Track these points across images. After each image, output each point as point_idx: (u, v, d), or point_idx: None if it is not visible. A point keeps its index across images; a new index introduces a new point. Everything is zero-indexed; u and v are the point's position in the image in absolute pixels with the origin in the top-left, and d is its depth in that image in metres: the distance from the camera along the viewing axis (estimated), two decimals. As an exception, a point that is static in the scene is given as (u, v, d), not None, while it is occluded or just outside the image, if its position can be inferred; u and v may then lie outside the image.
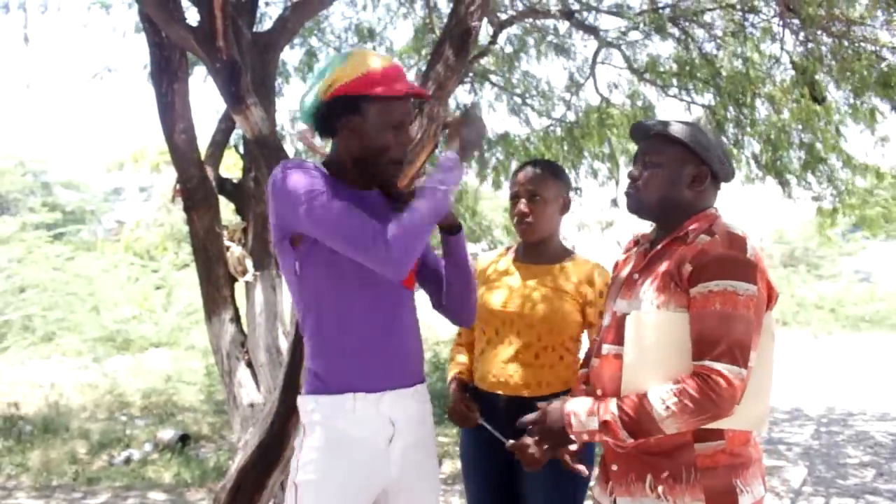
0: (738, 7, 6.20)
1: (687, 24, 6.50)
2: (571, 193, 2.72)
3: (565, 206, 2.60)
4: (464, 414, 2.50)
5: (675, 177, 1.89)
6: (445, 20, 6.46)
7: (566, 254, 2.62)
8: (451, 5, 6.06)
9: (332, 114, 1.89)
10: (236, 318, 3.93)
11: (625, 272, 2.00)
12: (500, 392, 2.48)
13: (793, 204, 7.12)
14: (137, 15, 5.86)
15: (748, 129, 6.77)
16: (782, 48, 6.26)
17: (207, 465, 5.73)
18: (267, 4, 6.23)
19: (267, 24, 5.42)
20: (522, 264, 2.60)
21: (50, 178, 26.63)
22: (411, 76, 7.03)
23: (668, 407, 1.69)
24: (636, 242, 2.06)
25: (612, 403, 1.76)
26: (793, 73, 6.27)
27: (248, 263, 3.97)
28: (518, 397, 2.45)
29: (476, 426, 2.48)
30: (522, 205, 2.52)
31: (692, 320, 1.75)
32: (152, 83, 3.75)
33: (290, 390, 3.19)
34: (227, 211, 4.41)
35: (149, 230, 20.45)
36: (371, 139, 1.88)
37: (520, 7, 6.33)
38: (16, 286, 11.83)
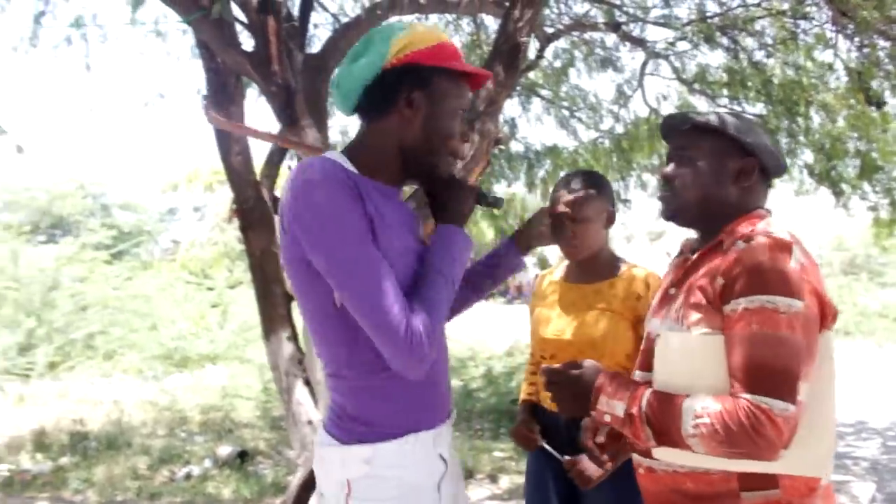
0: (789, 14, 6.12)
1: (736, 33, 6.44)
2: (620, 205, 2.67)
3: (610, 220, 2.44)
4: (525, 436, 2.49)
5: (718, 172, 1.62)
6: (492, 36, 6.55)
7: (616, 266, 2.46)
8: (498, 21, 6.13)
9: (394, 86, 1.53)
10: (294, 337, 3.99)
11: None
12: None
13: (848, 214, 6.98)
14: (194, 41, 6.07)
15: (801, 138, 6.66)
16: (836, 54, 6.16)
17: (265, 481, 5.81)
18: (315, 27, 6.38)
19: (316, 46, 5.53)
20: (571, 284, 2.50)
21: (108, 200, 27.40)
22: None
23: (696, 425, 1.43)
24: (682, 252, 1.78)
25: (645, 398, 1.51)
26: (847, 79, 6.15)
27: (305, 282, 4.03)
28: (577, 417, 2.38)
29: (537, 448, 2.47)
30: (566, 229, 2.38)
31: (727, 345, 1.48)
32: (210, 107, 3.85)
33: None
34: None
35: (203, 249, 20.88)
36: (437, 122, 1.56)
37: (567, 21, 6.34)
38: (79, 305, 12.19)
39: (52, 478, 5.88)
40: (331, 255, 1.43)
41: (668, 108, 7.02)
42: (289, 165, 4.66)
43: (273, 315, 3.97)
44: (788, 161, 6.90)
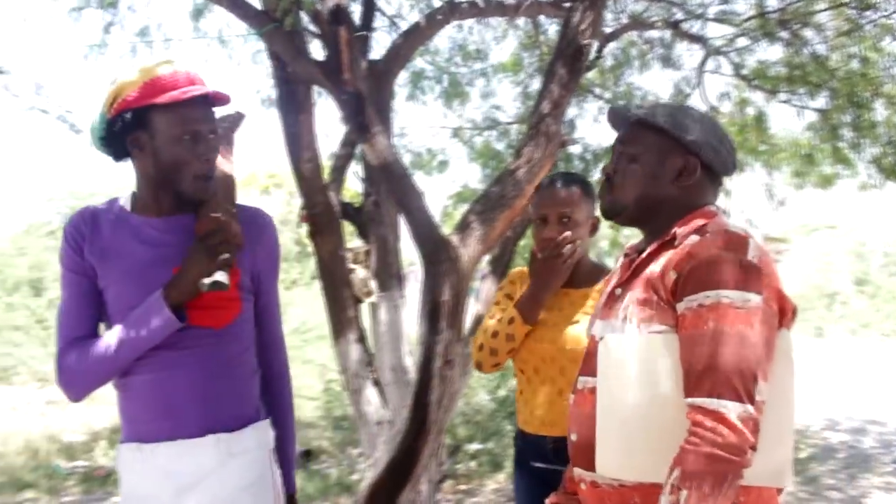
0: (853, 5, 5.99)
1: (797, 26, 6.32)
2: None
3: (594, 228, 2.31)
4: None
5: (656, 170, 1.56)
6: (548, 35, 6.54)
7: (600, 274, 2.29)
8: (554, 21, 6.13)
9: (119, 134, 1.69)
10: (362, 339, 4.07)
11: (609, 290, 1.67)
12: (545, 434, 2.23)
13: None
14: (256, 50, 6.20)
15: (867, 131, 6.50)
16: (904, 45, 6.01)
17: (330, 480, 5.92)
18: (373, 30, 6.42)
19: (374, 50, 5.59)
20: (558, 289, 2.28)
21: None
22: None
23: (675, 489, 1.32)
24: (627, 255, 1.69)
25: None
26: (917, 71, 6.00)
27: (373, 285, 4.12)
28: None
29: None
30: (551, 230, 2.23)
31: (681, 345, 1.41)
32: (279, 115, 3.94)
33: (419, 409, 3.30)
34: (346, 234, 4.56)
35: (259, 251, 21.12)
36: (163, 155, 1.68)
37: (624, 20, 6.30)
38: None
39: (126, 474, 6.09)
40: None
41: (727, 106, 6.93)
42: (354, 171, 4.75)
43: (342, 318, 4.05)
44: (853, 155, 6.74)
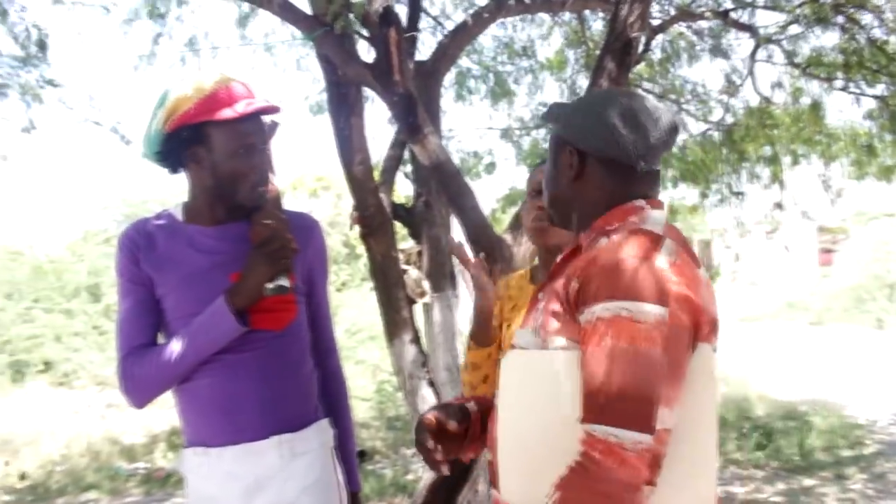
0: (912, -14, 5.81)
1: (853, 10, 6.15)
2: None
3: None
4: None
5: (555, 171, 1.45)
6: (593, 31, 6.48)
7: None
8: (600, 16, 6.06)
9: (176, 148, 1.74)
10: (416, 339, 4.08)
11: None
12: None
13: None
14: (300, 55, 6.27)
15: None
16: (967, 27, 5.81)
17: (385, 480, 5.95)
18: (418, 31, 6.42)
19: (420, 50, 5.59)
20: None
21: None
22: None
23: None
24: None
25: None
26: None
27: (426, 285, 4.12)
28: None
29: None
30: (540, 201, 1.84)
31: (582, 363, 1.26)
32: (330, 118, 3.97)
33: (475, 408, 3.28)
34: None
35: (308, 253, 21.35)
36: (221, 168, 1.73)
37: (672, 11, 6.21)
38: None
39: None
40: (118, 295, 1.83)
41: (780, 96, 6.78)
42: (405, 173, 4.76)
43: (396, 319, 4.06)
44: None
